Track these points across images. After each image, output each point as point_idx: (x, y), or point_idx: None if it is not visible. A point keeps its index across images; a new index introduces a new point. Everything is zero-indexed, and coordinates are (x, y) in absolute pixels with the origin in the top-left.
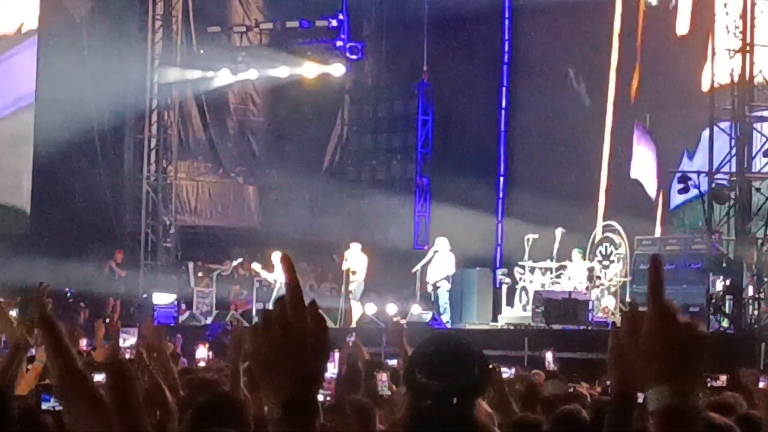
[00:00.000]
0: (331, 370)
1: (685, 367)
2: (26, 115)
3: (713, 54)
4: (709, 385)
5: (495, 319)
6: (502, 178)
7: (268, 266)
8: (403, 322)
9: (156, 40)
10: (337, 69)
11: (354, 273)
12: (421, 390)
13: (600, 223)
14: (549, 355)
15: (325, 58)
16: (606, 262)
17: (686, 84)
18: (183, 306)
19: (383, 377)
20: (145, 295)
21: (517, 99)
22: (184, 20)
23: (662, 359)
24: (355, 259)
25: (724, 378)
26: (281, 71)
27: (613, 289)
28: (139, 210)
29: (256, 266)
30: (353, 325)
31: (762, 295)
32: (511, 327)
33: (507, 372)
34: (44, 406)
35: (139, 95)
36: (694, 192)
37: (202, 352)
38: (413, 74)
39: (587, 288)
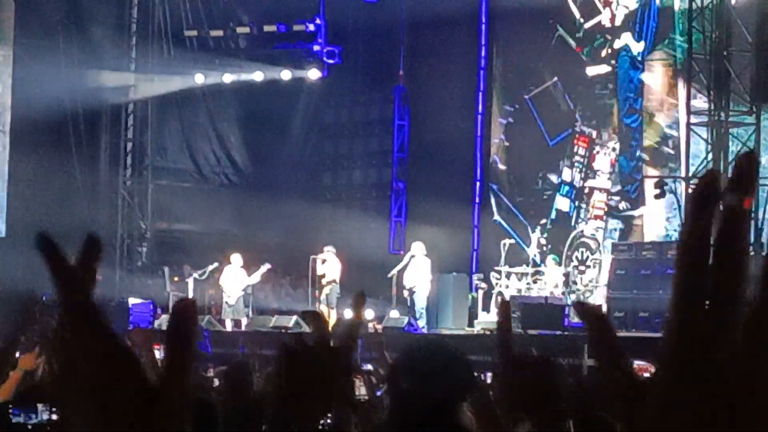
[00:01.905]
0: None
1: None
2: (0, 119)
3: (690, 57)
4: None
5: (471, 324)
6: (478, 183)
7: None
8: (380, 327)
9: (132, 43)
10: (314, 73)
11: (327, 278)
12: (404, 396)
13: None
14: None
15: (302, 63)
16: (582, 267)
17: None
18: (159, 310)
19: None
20: (121, 299)
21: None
22: (160, 24)
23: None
24: (330, 264)
25: None
26: (257, 75)
27: (588, 295)
28: (115, 214)
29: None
30: (329, 330)
31: None
32: (488, 332)
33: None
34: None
35: (115, 99)
36: None
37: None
38: (390, 79)
39: (563, 293)
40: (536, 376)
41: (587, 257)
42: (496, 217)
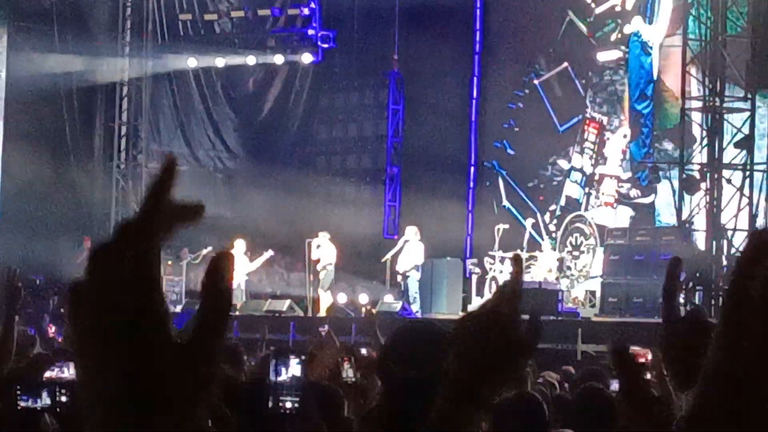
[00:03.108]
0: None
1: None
2: None
3: (685, 43)
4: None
5: (465, 309)
6: (472, 168)
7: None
8: (374, 310)
9: (127, 26)
10: (307, 58)
11: (321, 262)
12: (394, 380)
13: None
14: None
15: (296, 47)
16: (576, 253)
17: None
18: None
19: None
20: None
21: (488, 89)
22: (154, 8)
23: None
24: (324, 248)
25: None
26: (250, 59)
27: (582, 280)
28: (110, 197)
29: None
30: (322, 314)
31: None
32: None
33: None
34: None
35: (110, 82)
36: None
37: None
38: (384, 63)
39: (557, 278)
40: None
41: (581, 242)
42: (505, 202)
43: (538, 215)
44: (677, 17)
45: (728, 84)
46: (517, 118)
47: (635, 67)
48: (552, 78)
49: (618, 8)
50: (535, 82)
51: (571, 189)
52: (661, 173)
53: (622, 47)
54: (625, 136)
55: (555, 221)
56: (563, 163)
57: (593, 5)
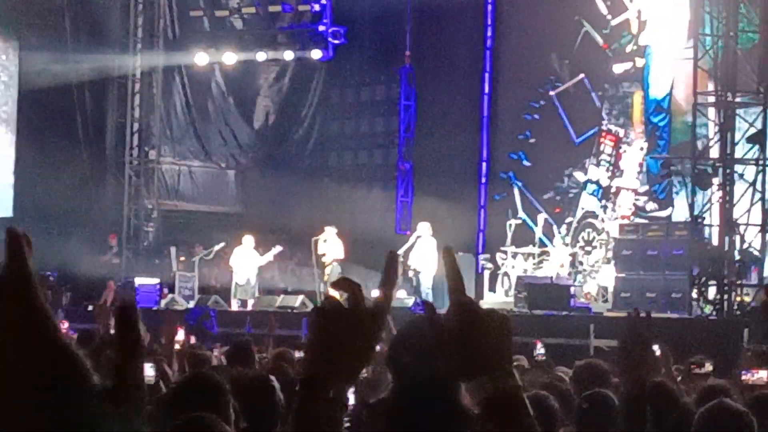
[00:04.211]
0: None
1: (495, 353)
2: (3, 85)
3: (696, 39)
4: (694, 372)
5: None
6: (484, 164)
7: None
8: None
9: (138, 23)
10: (317, 54)
11: (328, 257)
12: (404, 371)
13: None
14: (539, 346)
15: (307, 43)
16: (588, 248)
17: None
18: (165, 290)
19: None
20: (127, 278)
21: (499, 84)
22: (165, 4)
23: (472, 351)
24: (331, 243)
25: (709, 365)
26: (260, 55)
27: (594, 275)
28: (122, 194)
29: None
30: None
31: (744, 281)
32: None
33: None
34: None
35: (122, 79)
36: None
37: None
38: (396, 59)
39: (569, 273)
40: None
41: (593, 238)
42: (521, 214)
43: (554, 227)
44: (694, 29)
45: (740, 79)
46: (533, 129)
47: (651, 79)
48: (568, 89)
49: (634, 19)
50: (551, 93)
51: (588, 201)
52: (678, 184)
53: (638, 58)
54: (641, 149)
55: (571, 233)
56: (579, 175)
57: (609, 17)
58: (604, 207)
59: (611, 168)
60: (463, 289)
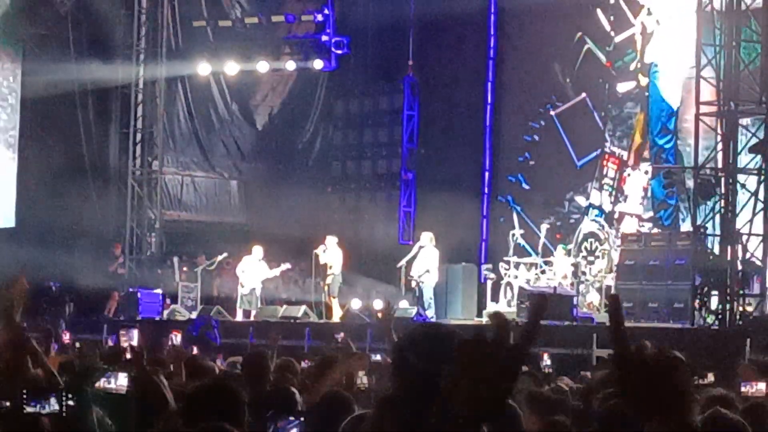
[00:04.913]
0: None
1: (668, 396)
2: (10, 108)
3: (698, 49)
4: (697, 383)
5: (480, 315)
6: (487, 174)
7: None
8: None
9: (141, 34)
10: (319, 64)
11: (330, 267)
12: (409, 371)
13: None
14: (546, 357)
15: (310, 53)
16: (591, 258)
17: None
18: (168, 300)
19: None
20: (130, 289)
21: (502, 94)
22: (168, 14)
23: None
24: (331, 253)
25: (711, 375)
26: (263, 65)
27: (597, 285)
28: (125, 204)
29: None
30: (334, 320)
31: (746, 291)
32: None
33: None
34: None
35: (125, 89)
36: None
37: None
38: (399, 69)
39: (572, 284)
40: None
41: (596, 248)
42: (520, 240)
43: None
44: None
45: (743, 88)
46: (532, 151)
47: (656, 100)
48: (569, 109)
49: (639, 37)
50: (552, 113)
51: (590, 227)
52: (685, 210)
53: (641, 77)
54: (646, 173)
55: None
56: (581, 200)
57: (612, 33)
58: (608, 235)
59: (614, 192)
60: (626, 337)
